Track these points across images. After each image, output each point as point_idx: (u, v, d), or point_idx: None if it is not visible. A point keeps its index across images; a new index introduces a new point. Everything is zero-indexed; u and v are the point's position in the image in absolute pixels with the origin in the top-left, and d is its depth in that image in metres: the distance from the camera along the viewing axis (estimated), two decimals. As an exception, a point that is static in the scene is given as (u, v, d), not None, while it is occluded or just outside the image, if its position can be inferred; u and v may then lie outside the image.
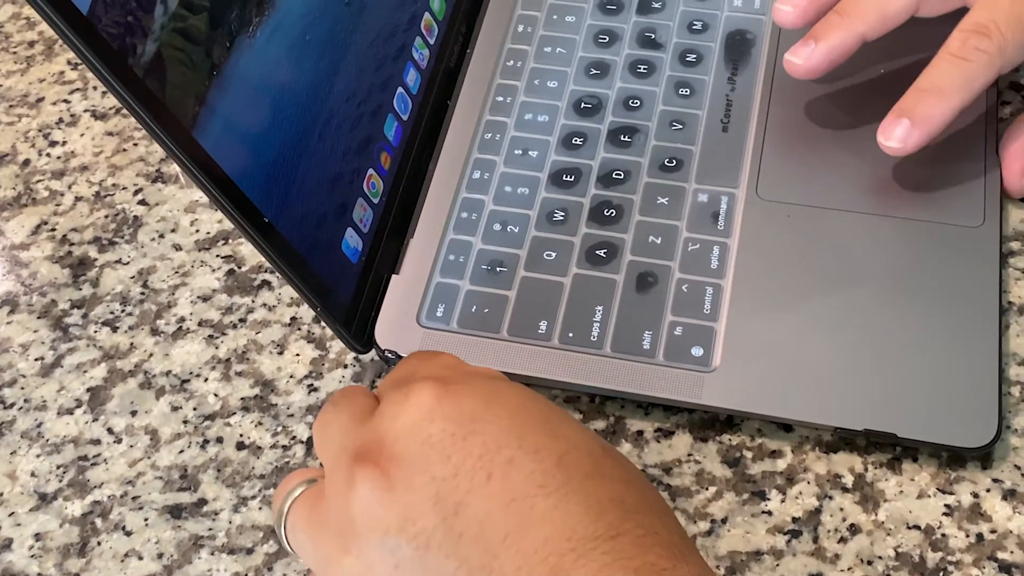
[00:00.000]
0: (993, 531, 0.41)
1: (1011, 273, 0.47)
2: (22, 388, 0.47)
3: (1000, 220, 0.47)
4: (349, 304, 0.45)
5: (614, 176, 0.50)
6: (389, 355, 0.45)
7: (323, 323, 0.48)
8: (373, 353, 0.46)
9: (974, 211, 0.47)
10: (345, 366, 0.47)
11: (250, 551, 0.43)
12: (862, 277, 0.46)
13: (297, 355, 0.48)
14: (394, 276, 0.47)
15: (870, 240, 0.47)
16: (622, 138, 0.51)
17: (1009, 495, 0.42)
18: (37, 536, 0.43)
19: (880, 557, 0.41)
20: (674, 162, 0.50)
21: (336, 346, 0.48)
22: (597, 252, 0.47)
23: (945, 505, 0.42)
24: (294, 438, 0.45)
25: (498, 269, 0.47)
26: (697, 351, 0.44)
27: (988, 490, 0.42)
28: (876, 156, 0.47)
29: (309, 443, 0.45)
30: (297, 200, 0.43)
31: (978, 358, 0.43)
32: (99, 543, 0.43)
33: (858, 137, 0.50)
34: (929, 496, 0.42)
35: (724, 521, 0.42)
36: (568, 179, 0.50)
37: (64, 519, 0.44)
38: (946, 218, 0.47)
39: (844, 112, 0.51)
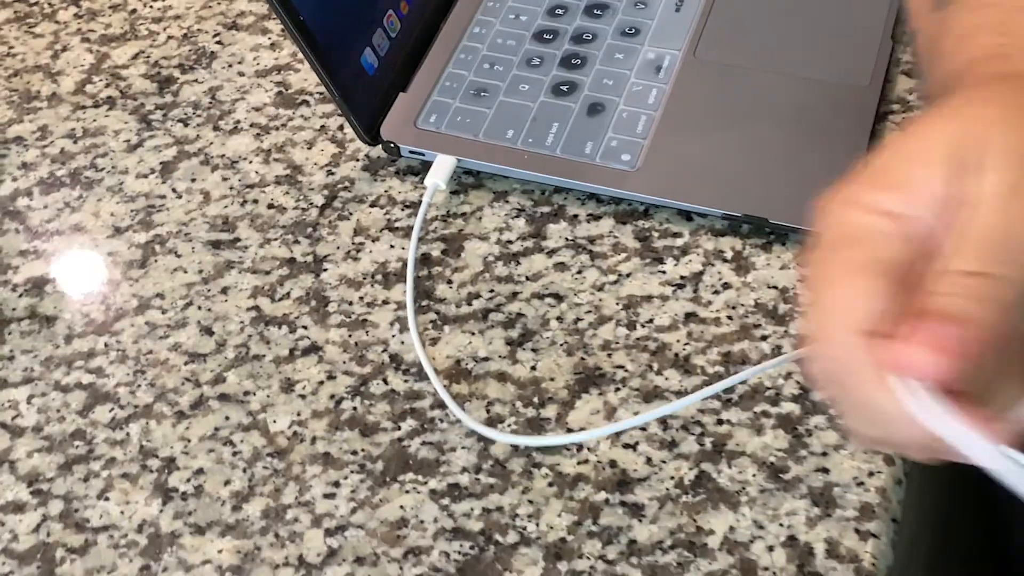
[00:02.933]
0: (834, 294, 0.52)
1: (887, 126, 0.59)
2: (111, 159, 0.62)
3: (883, 84, 0.59)
4: (364, 105, 0.58)
5: (584, 37, 0.63)
6: (391, 145, 0.58)
7: (343, 128, 0.61)
8: (380, 150, 0.59)
9: (863, 73, 0.60)
10: (357, 159, 0.60)
11: (267, 272, 0.56)
12: (760, 114, 0.58)
13: (321, 150, 0.61)
14: (401, 93, 0.60)
15: (772, 91, 0.59)
16: (595, 12, 0.64)
17: (852, 272, 0.53)
18: (109, 253, 0.57)
19: (743, 305, 0.52)
20: (633, 30, 0.63)
21: (352, 146, 0.61)
22: (561, 87, 0.60)
23: (800, 275, 0.53)
24: (311, 203, 0.59)
25: (482, 94, 0.60)
26: (626, 156, 0.57)
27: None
28: (787, 34, 0.61)
29: (322, 209, 0.58)
30: (330, 11, 0.56)
31: (844, 167, 0.55)
32: (155, 261, 0.57)
33: (777, 21, 0.62)
34: (789, 268, 0.54)
35: (628, 275, 0.54)
36: (547, 37, 0.63)
37: (131, 244, 0.58)
38: (840, 78, 0.59)
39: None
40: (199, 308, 0.55)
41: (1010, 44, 0.41)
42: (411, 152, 0.59)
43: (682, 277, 0.54)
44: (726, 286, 0.54)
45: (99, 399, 0.52)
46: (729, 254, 0.55)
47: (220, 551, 0.46)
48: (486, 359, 0.52)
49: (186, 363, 0.53)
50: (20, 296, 0.56)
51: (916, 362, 0.33)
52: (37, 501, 0.49)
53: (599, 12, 0.64)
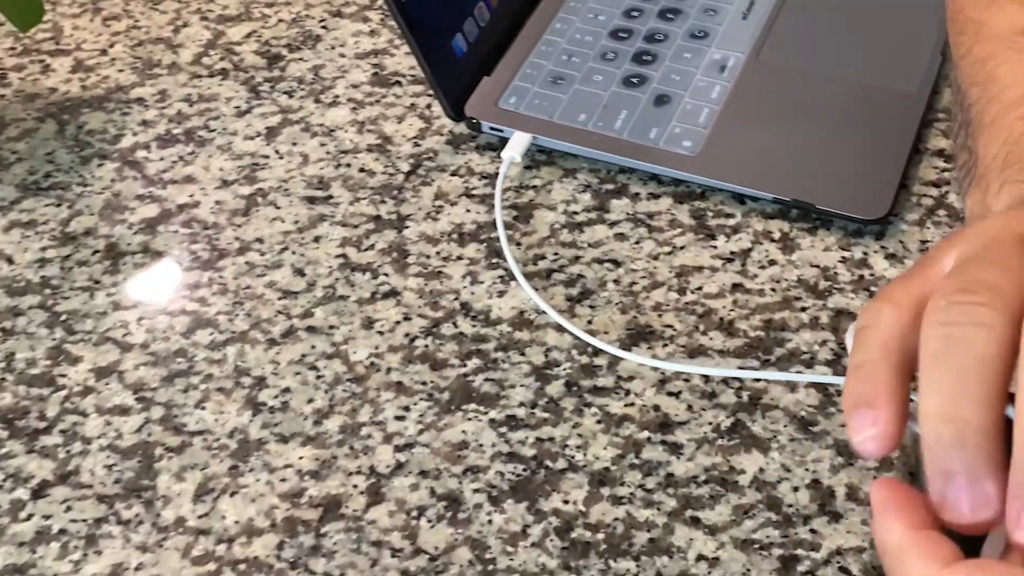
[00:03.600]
0: (871, 275, 0.57)
1: (931, 132, 0.63)
2: (222, 122, 0.68)
3: (930, 94, 0.64)
4: (451, 85, 0.64)
5: (655, 37, 0.68)
6: (473, 121, 0.64)
7: (430, 106, 0.67)
8: (462, 126, 0.65)
9: (912, 83, 0.64)
10: (442, 134, 0.66)
11: (355, 226, 0.61)
12: (813, 112, 0.63)
13: (410, 125, 0.67)
14: (485, 77, 0.66)
15: (826, 93, 0.64)
16: (668, 15, 0.70)
17: (890, 257, 0.58)
18: (217, 202, 0.63)
19: (786, 279, 0.57)
20: (702, 33, 0.68)
21: (437, 122, 0.67)
22: (632, 79, 0.66)
23: (841, 257, 0.58)
24: (398, 169, 0.64)
25: (559, 81, 0.66)
26: (687, 143, 0.62)
27: (876, 251, 0.58)
28: (843, 43, 0.66)
29: (407, 175, 0.64)
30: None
31: (888, 164, 0.60)
32: (257, 211, 0.63)
33: (835, 31, 0.68)
34: (831, 250, 0.58)
35: (682, 248, 0.59)
36: (622, 35, 0.68)
37: (236, 195, 0.64)
38: (890, 85, 0.65)
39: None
40: (293, 253, 0.61)
41: None
42: (491, 128, 0.65)
43: (731, 252, 0.59)
44: (772, 263, 0.58)
45: (201, 324, 0.58)
46: (777, 235, 0.60)
47: (301, 458, 0.52)
48: (546, 312, 0.57)
49: (279, 298, 0.59)
50: (135, 233, 0.62)
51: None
52: (141, 407, 0.55)
53: (671, 16, 0.70)
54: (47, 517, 0.51)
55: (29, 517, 0.51)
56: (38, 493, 0.52)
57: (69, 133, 0.69)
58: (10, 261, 0.62)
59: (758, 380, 0.53)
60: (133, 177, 0.66)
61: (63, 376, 0.56)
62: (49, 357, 0.57)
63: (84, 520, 0.50)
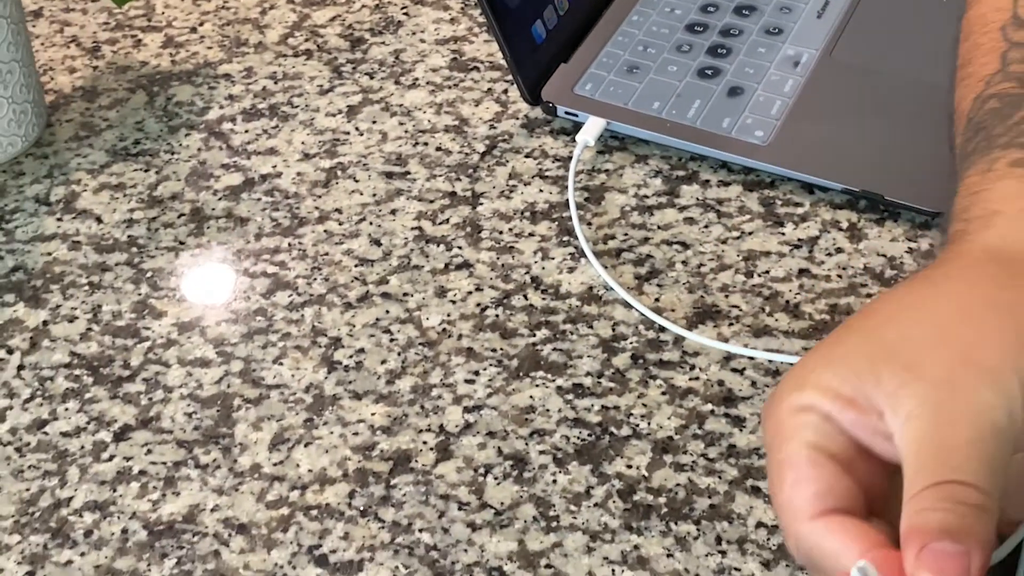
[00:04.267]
0: (937, 266, 0.58)
1: (1004, 131, 0.64)
2: (305, 99, 0.70)
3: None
4: (529, 70, 0.66)
5: (731, 32, 0.69)
6: (550, 105, 0.66)
7: (507, 91, 0.69)
8: (538, 111, 0.67)
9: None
10: (517, 118, 0.68)
11: (431, 201, 0.63)
12: (882, 108, 0.65)
13: (487, 108, 0.69)
14: (563, 64, 0.68)
15: (896, 90, 0.65)
16: (743, 12, 0.71)
17: (956, 249, 0.58)
18: (299, 173, 0.65)
19: (853, 267, 0.58)
20: (776, 30, 0.69)
21: (513, 107, 0.68)
22: (706, 71, 0.67)
23: (908, 247, 0.59)
24: (473, 150, 0.66)
25: (634, 70, 0.67)
26: (759, 133, 0.63)
27: (942, 244, 0.58)
28: (913, 44, 0.67)
29: (482, 155, 0.66)
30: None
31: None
32: (336, 183, 0.65)
33: (905, 31, 0.69)
34: (898, 240, 0.59)
35: (750, 233, 0.60)
36: (698, 29, 0.70)
37: (317, 168, 0.66)
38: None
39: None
40: (370, 223, 0.63)
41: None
42: (566, 113, 0.66)
43: (799, 239, 0.60)
44: (839, 250, 0.59)
45: (280, 286, 0.60)
46: (844, 224, 0.61)
47: (373, 414, 0.54)
48: (614, 289, 0.58)
49: (356, 265, 0.61)
50: (219, 200, 0.65)
51: None
52: (221, 360, 0.57)
53: (747, 12, 0.71)
54: (128, 459, 0.53)
55: (111, 458, 0.53)
56: (120, 436, 0.54)
57: (158, 104, 0.71)
58: (99, 220, 0.64)
59: (821, 361, 0.54)
60: (219, 147, 0.68)
61: (147, 329, 0.58)
62: (134, 311, 0.59)
63: (163, 463, 0.53)
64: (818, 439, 0.37)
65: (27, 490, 0.52)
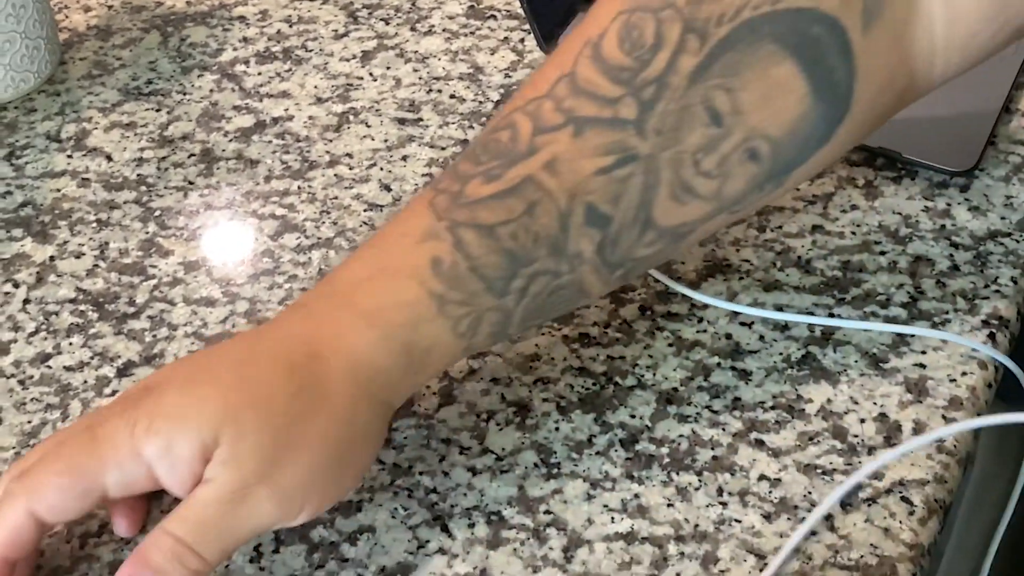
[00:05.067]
0: (953, 225, 0.57)
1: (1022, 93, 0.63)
2: (319, 43, 0.70)
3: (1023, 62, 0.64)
4: (547, 17, 0.65)
5: None
6: (564, 54, 0.65)
7: (523, 40, 0.68)
8: (554, 61, 0.66)
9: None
10: (533, 67, 0.67)
11: (443, 148, 0.63)
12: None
13: (502, 57, 0.68)
14: (580, 13, 0.67)
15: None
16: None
17: (973, 209, 0.58)
18: (310, 117, 0.65)
19: (867, 224, 0.57)
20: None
21: (530, 56, 0.68)
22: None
23: (924, 206, 0.58)
24: (488, 98, 0.66)
25: (653, 22, 0.66)
26: (777, 87, 0.62)
27: (959, 203, 0.58)
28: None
29: (496, 103, 0.65)
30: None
31: (978, 119, 0.60)
32: (348, 128, 0.64)
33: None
34: (915, 199, 0.58)
35: (765, 188, 0.59)
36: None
37: (329, 112, 0.65)
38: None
39: None
40: (381, 169, 0.62)
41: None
42: (583, 63, 0.66)
43: (814, 196, 0.59)
44: (854, 207, 0.59)
45: (288, 228, 0.60)
46: (861, 181, 0.60)
47: (376, 357, 0.54)
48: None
49: (365, 210, 0.60)
50: (230, 141, 0.64)
51: None
52: (227, 300, 0.56)
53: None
54: (131, 395, 0.53)
55: (113, 393, 0.53)
56: (123, 372, 0.54)
57: (172, 44, 0.71)
58: (109, 158, 0.64)
59: (832, 315, 0.54)
60: (231, 89, 0.68)
61: (154, 267, 0.58)
62: (141, 249, 0.59)
63: (166, 400, 0.53)
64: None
65: (28, 422, 0.52)
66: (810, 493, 0.47)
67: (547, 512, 0.48)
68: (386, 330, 0.45)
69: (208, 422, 0.42)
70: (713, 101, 0.45)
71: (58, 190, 0.62)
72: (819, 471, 0.48)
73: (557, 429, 0.51)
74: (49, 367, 0.54)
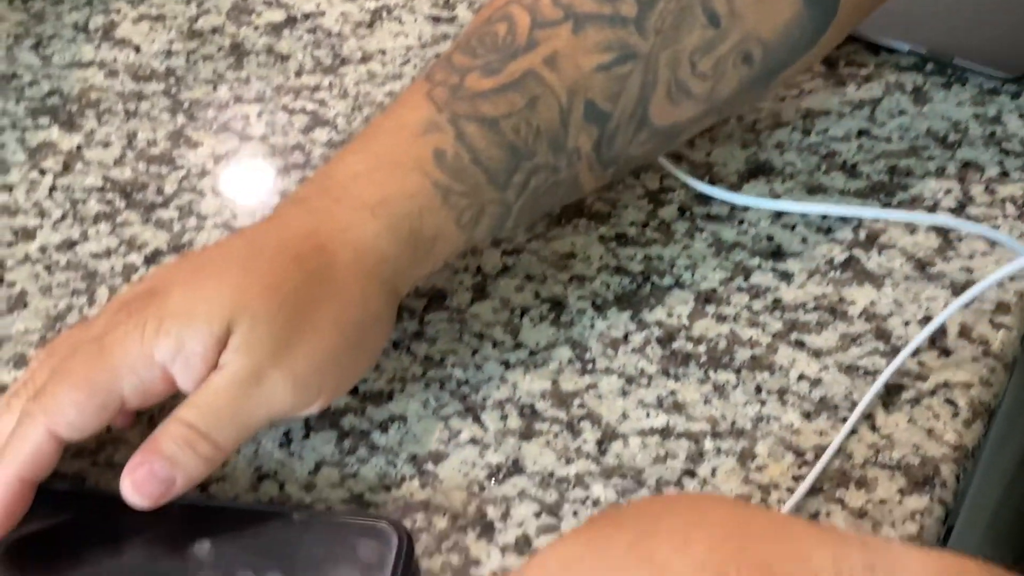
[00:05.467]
0: (1004, 132, 0.55)
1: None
2: (353, -58, 0.68)
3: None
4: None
5: None
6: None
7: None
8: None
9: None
10: (572, -31, 0.65)
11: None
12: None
13: (541, -42, 0.66)
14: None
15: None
16: None
17: (1025, 116, 0.56)
18: (342, 13, 0.64)
19: (915, 129, 0.56)
20: None
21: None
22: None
23: (974, 113, 0.56)
24: (525, -2, 0.64)
25: None
26: None
27: (1010, 110, 0.56)
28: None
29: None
30: None
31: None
32: (381, 24, 0.63)
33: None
34: (964, 105, 0.56)
35: (810, 92, 0.58)
36: None
37: (362, 8, 0.64)
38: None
39: None
40: (414, 67, 0.61)
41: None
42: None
43: (861, 100, 0.58)
44: (902, 112, 0.57)
45: (319, 123, 0.58)
46: (909, 87, 0.58)
47: (408, 251, 0.53)
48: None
49: (398, 106, 0.59)
50: (260, 36, 0.63)
51: (125, 488, 0.41)
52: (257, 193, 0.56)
53: None
54: (158, 284, 0.52)
55: (140, 280, 0.52)
56: (151, 260, 0.53)
57: (202, -61, 0.69)
58: (137, 50, 0.62)
59: (877, 220, 0.52)
60: (262, -16, 0.67)
61: (182, 158, 0.57)
62: (170, 140, 0.58)
63: (194, 289, 0.52)
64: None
65: (55, 307, 0.51)
66: (851, 394, 0.46)
67: (581, 406, 0.47)
68: (391, 220, 0.44)
69: (218, 314, 0.41)
70: (712, 2, 0.46)
71: (85, 80, 0.61)
72: (861, 372, 0.47)
73: (592, 326, 0.49)
74: (75, 253, 0.53)
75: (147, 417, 0.47)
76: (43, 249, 0.53)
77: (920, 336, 0.47)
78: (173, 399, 0.43)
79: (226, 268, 0.43)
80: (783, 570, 0.31)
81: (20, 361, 0.49)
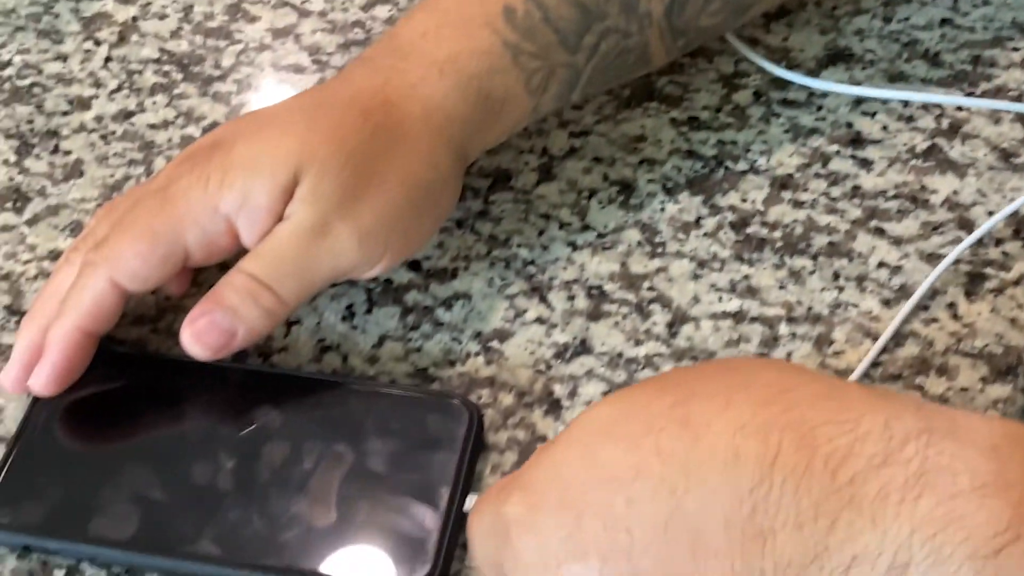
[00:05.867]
0: (1096, 24, 0.53)
1: None
2: None
3: None
4: None
5: None
6: None
7: None
8: None
9: None
10: None
11: None
12: None
13: None
14: None
15: None
16: None
17: (1118, 8, 0.53)
18: None
19: (1000, 20, 0.53)
20: None
21: None
22: None
23: (1065, 3, 0.54)
24: None
25: None
26: None
27: None
28: None
29: None
30: None
31: None
32: (444, -97, 0.61)
33: None
34: (1054, -5, 0.54)
35: (891, -21, 0.55)
36: None
37: None
38: None
39: None
40: (479, -55, 0.59)
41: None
42: None
43: (944, -18, 0.56)
44: (985, 2, 0.54)
45: (380, 0, 0.57)
46: (995, -24, 0.56)
47: (473, 130, 0.51)
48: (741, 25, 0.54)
49: None
50: (319, -88, 0.61)
51: (185, 338, 0.40)
52: (315, 68, 0.54)
53: None
54: (216, 158, 0.51)
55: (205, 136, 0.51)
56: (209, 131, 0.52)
57: None
58: (193, -76, 0.61)
59: (960, 109, 0.50)
60: None
61: (240, 32, 0.55)
62: (227, 13, 0.56)
63: (252, 164, 0.50)
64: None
65: (111, 176, 0.50)
66: (933, 282, 0.45)
67: (651, 289, 0.45)
68: (460, 78, 0.43)
69: (284, 164, 0.40)
70: None
71: (140, -48, 0.60)
72: (943, 260, 0.45)
73: (663, 209, 0.48)
74: (132, 124, 0.52)
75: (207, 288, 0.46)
76: (99, 119, 0.52)
77: (1002, 224, 0.45)
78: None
79: (292, 121, 0.41)
80: (827, 433, 0.29)
81: (76, 228, 0.48)
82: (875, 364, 0.42)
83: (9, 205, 0.49)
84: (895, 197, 0.48)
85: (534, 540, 0.31)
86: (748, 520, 0.29)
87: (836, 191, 0.48)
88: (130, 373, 0.42)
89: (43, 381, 0.40)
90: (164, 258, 0.40)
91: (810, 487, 0.28)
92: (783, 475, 0.29)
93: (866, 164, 0.49)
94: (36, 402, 0.41)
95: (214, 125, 0.51)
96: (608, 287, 0.45)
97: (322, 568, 0.37)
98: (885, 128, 0.50)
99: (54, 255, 0.47)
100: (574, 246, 0.47)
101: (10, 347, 0.42)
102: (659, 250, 0.46)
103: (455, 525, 0.38)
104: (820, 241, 0.46)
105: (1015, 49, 0.53)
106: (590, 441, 0.32)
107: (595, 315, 0.45)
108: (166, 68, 0.54)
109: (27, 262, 0.47)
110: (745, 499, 0.29)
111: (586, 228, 0.47)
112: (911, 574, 0.27)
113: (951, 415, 0.30)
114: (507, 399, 0.42)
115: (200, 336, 0.40)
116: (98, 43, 0.55)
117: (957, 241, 0.46)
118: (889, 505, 0.28)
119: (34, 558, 0.38)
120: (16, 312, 0.45)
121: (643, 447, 0.30)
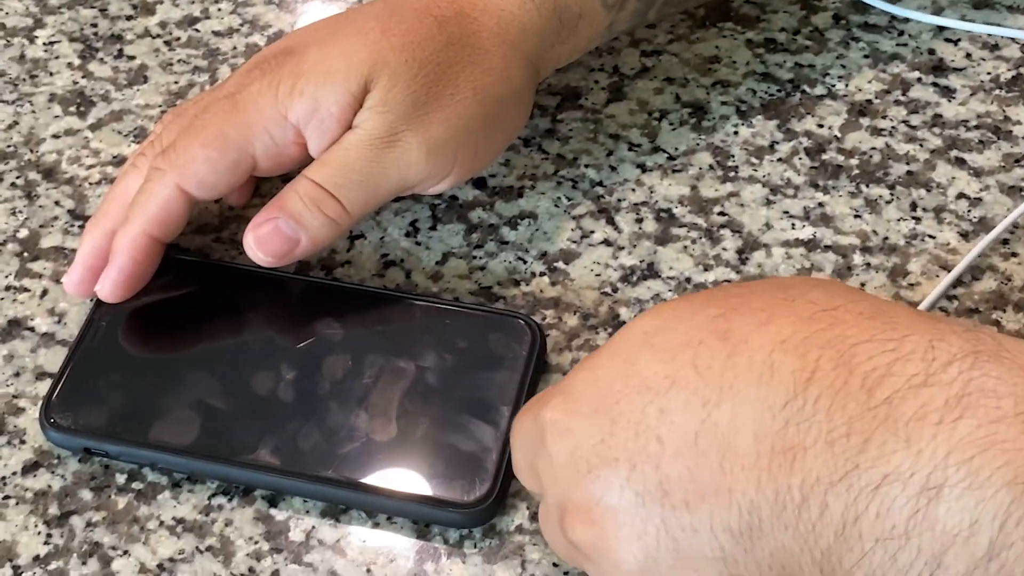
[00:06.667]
0: None
1: None
2: None
3: None
4: None
5: None
6: None
7: None
8: None
9: None
10: None
11: None
12: None
13: None
14: None
15: None
16: None
17: None
18: None
19: (1097, -55, 0.51)
20: None
21: None
22: None
23: None
24: None
25: None
26: None
27: None
28: None
29: None
30: None
31: None
32: None
33: None
34: None
35: (981, -100, 0.53)
36: None
37: None
38: None
39: None
40: None
41: None
42: None
43: (1038, -89, 0.53)
44: (1082, -73, 0.52)
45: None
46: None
47: (542, 46, 0.50)
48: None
49: None
50: None
51: (248, 243, 0.40)
52: None
53: None
54: (280, 69, 0.50)
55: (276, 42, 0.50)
56: (274, 40, 0.51)
57: None
58: None
59: (1050, 40, 0.49)
60: None
61: (306, -59, 0.55)
62: (293, -79, 0.55)
63: (317, 75, 0.50)
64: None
65: (175, 83, 0.49)
66: (1014, 215, 0.43)
67: (721, 214, 0.44)
68: None
69: (356, 71, 0.39)
70: None
71: None
72: (1026, 194, 0.44)
73: (736, 133, 0.47)
74: (197, 31, 0.51)
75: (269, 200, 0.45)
76: (163, 24, 0.51)
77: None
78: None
79: (365, 28, 0.40)
80: (867, 351, 0.28)
81: (140, 134, 0.48)
82: (951, 297, 0.41)
83: (73, 109, 0.48)
84: (977, 127, 0.46)
85: (568, 444, 0.31)
86: (779, 435, 0.28)
87: (916, 119, 0.46)
88: (192, 281, 0.42)
89: (110, 286, 0.40)
90: (233, 165, 0.40)
91: (845, 404, 0.28)
92: (818, 391, 0.28)
93: (948, 92, 0.47)
94: (98, 307, 0.41)
95: (279, 34, 0.51)
96: (677, 210, 0.44)
97: (381, 483, 0.37)
98: (968, 56, 0.48)
99: (118, 161, 0.47)
100: (643, 168, 0.46)
101: (73, 251, 0.42)
102: (731, 174, 0.45)
103: (516, 444, 0.38)
104: (898, 170, 0.45)
105: (1110, -23, 0.51)
106: (631, 350, 0.31)
107: (663, 239, 0.44)
108: (231, -25, 0.53)
109: (91, 167, 0.47)
110: (777, 414, 0.28)
111: (656, 150, 0.46)
112: (944, 497, 0.27)
113: (1000, 339, 0.29)
114: (572, 320, 0.42)
115: (263, 242, 0.39)
116: (163, -52, 0.54)
117: (1042, 174, 0.44)
118: (926, 426, 0.27)
119: (96, 462, 0.39)
120: (79, 216, 0.45)
121: (680, 359, 0.30)
